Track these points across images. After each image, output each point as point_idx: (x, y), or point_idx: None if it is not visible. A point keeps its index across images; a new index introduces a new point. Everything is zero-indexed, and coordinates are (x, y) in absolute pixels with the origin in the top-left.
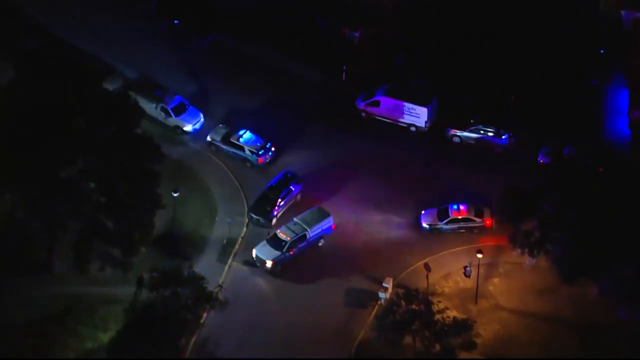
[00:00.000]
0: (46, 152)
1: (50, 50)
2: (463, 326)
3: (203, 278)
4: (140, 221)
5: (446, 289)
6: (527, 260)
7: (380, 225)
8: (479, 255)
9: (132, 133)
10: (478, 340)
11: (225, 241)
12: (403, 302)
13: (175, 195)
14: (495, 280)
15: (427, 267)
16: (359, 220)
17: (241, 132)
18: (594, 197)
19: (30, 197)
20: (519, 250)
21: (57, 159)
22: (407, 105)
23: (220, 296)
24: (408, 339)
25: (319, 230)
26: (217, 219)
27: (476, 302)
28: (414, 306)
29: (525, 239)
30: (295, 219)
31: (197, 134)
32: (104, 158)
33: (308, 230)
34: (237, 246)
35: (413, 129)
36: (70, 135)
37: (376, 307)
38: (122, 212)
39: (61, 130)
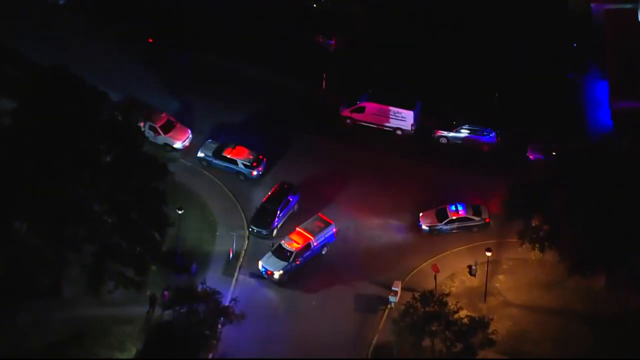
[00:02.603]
0: (55, 176)
1: (53, 74)
2: (480, 324)
3: (218, 292)
4: (151, 240)
5: (453, 289)
6: (532, 255)
7: (380, 230)
8: (488, 254)
9: (138, 153)
10: (496, 338)
11: (231, 255)
12: (419, 304)
13: (179, 212)
14: (501, 277)
15: (435, 268)
16: (357, 226)
17: (233, 146)
18: (598, 188)
19: (41, 223)
20: (529, 246)
21: (66, 183)
22: (393, 109)
23: (236, 310)
24: (426, 341)
25: (322, 238)
26: (217, 233)
27: (485, 300)
28: (429, 308)
29: (535, 234)
30: (298, 229)
31: (187, 150)
32: (113, 179)
33: (312, 239)
34: (241, 259)
35: (399, 132)
36: (78, 158)
37: (386, 311)
38: (134, 232)
39: (69, 154)
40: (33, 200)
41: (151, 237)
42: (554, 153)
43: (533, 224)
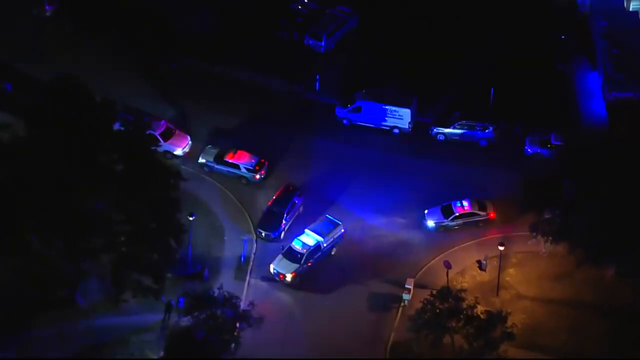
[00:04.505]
0: (70, 188)
1: (63, 84)
2: (499, 318)
3: (236, 297)
4: (167, 248)
5: (464, 285)
6: (543, 247)
7: (386, 228)
8: (501, 248)
9: (152, 161)
10: (514, 331)
11: (242, 259)
12: (437, 301)
13: (191, 219)
14: (511, 270)
15: (447, 264)
16: (363, 225)
17: (234, 150)
18: (608, 178)
19: (57, 234)
20: (543, 238)
21: (81, 194)
22: (390, 108)
23: (254, 313)
24: (446, 338)
25: (332, 239)
26: (225, 238)
27: (497, 294)
28: (447, 304)
29: (548, 226)
30: (307, 230)
31: (187, 156)
32: (128, 188)
33: (322, 240)
34: (251, 263)
35: (396, 130)
36: (92, 168)
37: (400, 309)
38: (150, 241)
39: (83, 164)
40: (49, 213)
41: (168, 245)
42: (549, 145)
43: (546, 217)
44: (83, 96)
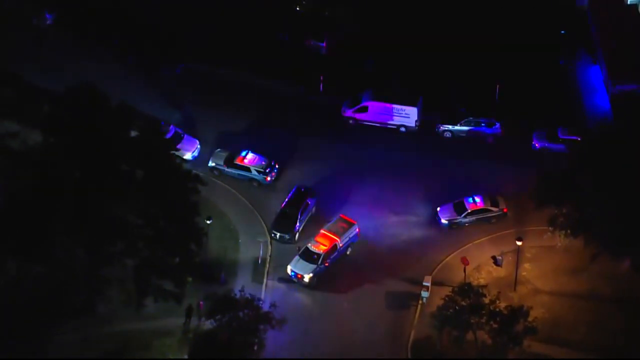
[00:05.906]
0: (93, 194)
1: (81, 92)
2: (521, 313)
3: (259, 299)
4: (188, 252)
5: (481, 280)
6: (558, 241)
7: (400, 227)
8: (519, 243)
9: (170, 166)
10: (536, 325)
11: (259, 261)
12: (458, 298)
13: (208, 222)
14: (526, 265)
15: (464, 260)
16: (377, 225)
17: (244, 153)
18: (624, 171)
19: (80, 240)
20: (559, 233)
21: (104, 200)
22: (396, 106)
23: (276, 315)
24: (469, 334)
25: (347, 239)
26: (240, 241)
27: (515, 289)
28: (469, 300)
29: (566, 220)
30: (322, 231)
31: (196, 160)
32: (149, 194)
33: (338, 240)
34: (267, 265)
35: (403, 129)
36: (114, 174)
37: (419, 306)
38: (172, 245)
39: (105, 171)
40: (71, 220)
41: (188, 249)
42: (556, 140)
43: (564, 211)
44: (101, 104)
